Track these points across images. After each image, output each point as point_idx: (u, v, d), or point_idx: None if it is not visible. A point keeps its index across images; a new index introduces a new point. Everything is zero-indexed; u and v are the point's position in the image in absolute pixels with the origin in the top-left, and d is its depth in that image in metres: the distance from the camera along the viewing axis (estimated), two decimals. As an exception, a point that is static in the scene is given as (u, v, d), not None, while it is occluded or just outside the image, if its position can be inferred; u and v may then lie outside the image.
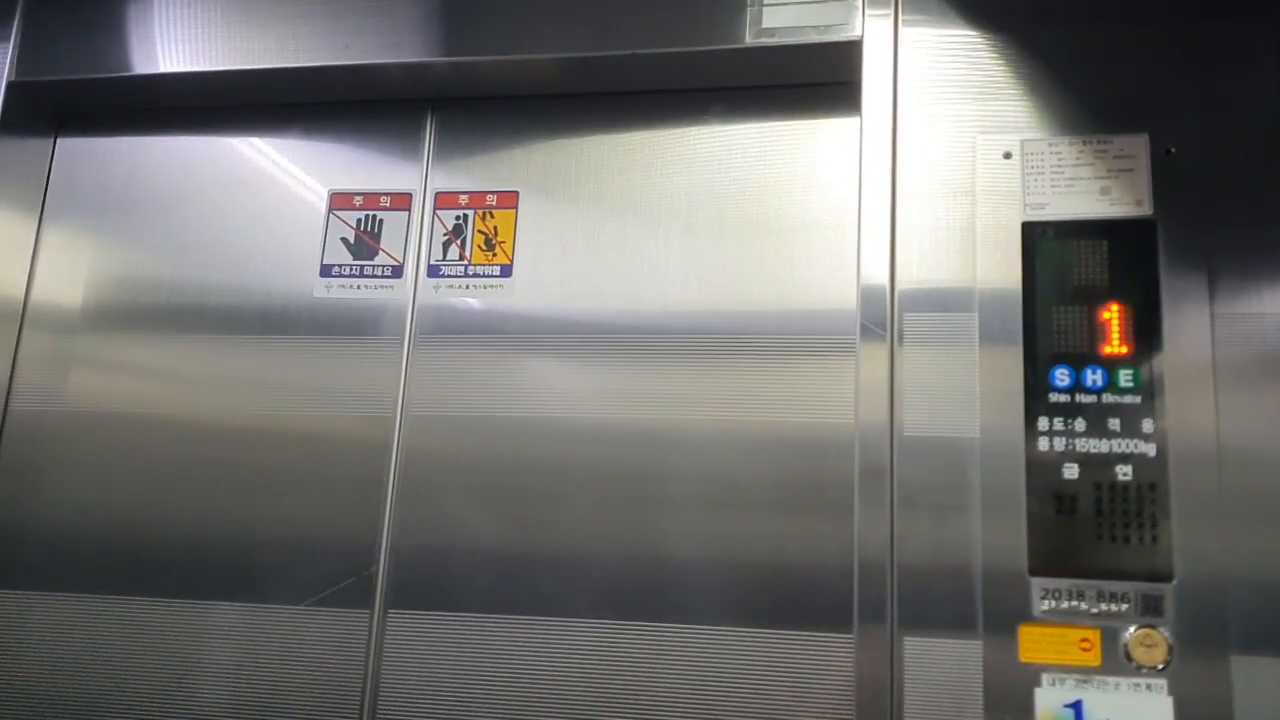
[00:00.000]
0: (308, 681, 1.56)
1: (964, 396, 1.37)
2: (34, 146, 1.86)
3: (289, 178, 1.77)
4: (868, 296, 1.42)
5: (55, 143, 1.88)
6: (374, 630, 1.56)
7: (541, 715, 1.48)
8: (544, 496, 1.55)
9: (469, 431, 1.60)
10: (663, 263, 1.61)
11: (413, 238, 1.69)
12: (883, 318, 1.41)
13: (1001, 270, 1.40)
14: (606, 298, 1.61)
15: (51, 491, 1.70)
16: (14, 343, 1.78)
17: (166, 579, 1.64)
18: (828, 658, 1.42)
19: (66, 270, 1.80)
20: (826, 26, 1.52)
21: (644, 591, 1.49)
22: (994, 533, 1.33)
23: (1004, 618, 1.30)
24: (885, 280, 1.42)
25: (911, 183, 1.45)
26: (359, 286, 1.68)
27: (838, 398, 1.49)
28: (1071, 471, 1.32)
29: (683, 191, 1.63)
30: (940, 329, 1.39)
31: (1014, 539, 1.32)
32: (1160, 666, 1.26)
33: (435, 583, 1.56)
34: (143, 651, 1.62)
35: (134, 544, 1.66)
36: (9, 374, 1.77)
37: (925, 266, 1.42)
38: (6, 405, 1.76)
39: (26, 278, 1.81)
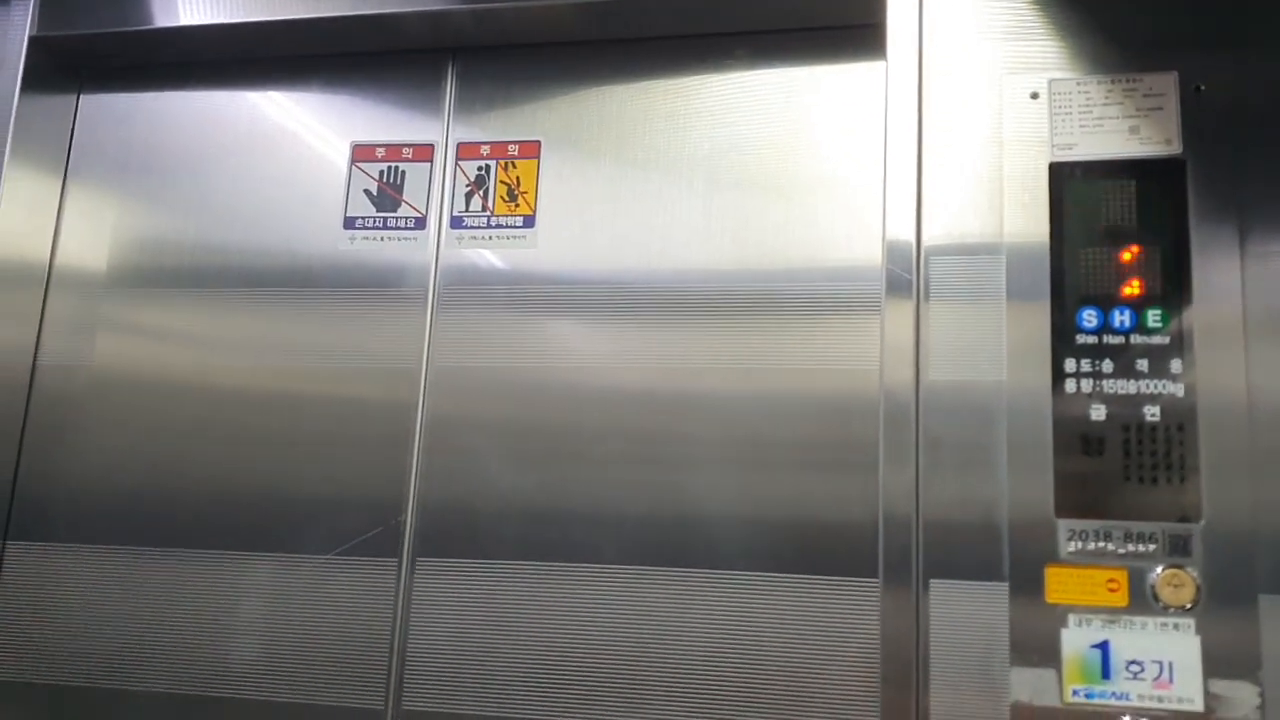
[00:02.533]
0: (338, 628, 1.58)
1: (990, 343, 1.36)
2: (57, 104, 1.86)
3: (311, 131, 1.77)
4: (893, 245, 1.41)
5: (78, 100, 1.88)
6: (402, 577, 1.57)
7: (569, 659, 1.50)
8: (569, 445, 1.56)
9: (494, 382, 1.60)
10: (686, 212, 1.60)
11: (435, 189, 1.69)
12: (909, 261, 1.40)
13: (1029, 214, 1.38)
14: (630, 248, 1.61)
15: (82, 448, 1.72)
16: (41, 302, 1.79)
17: (197, 530, 1.65)
18: (854, 602, 1.43)
19: (91, 230, 1.81)
20: (850, -33, 1.50)
21: (671, 539, 1.50)
22: (1020, 476, 1.32)
23: (1030, 560, 1.30)
24: (911, 229, 1.41)
25: (937, 126, 1.44)
26: (382, 238, 1.69)
27: (864, 353, 1.48)
28: (1099, 413, 1.31)
29: (706, 141, 1.62)
30: (967, 274, 1.38)
31: (1040, 482, 1.32)
32: (1188, 606, 1.25)
33: (462, 531, 1.57)
34: (174, 601, 1.64)
35: (165, 497, 1.68)
36: (37, 333, 1.78)
37: (952, 212, 1.40)
38: (35, 363, 1.77)
39: (52, 238, 1.82)
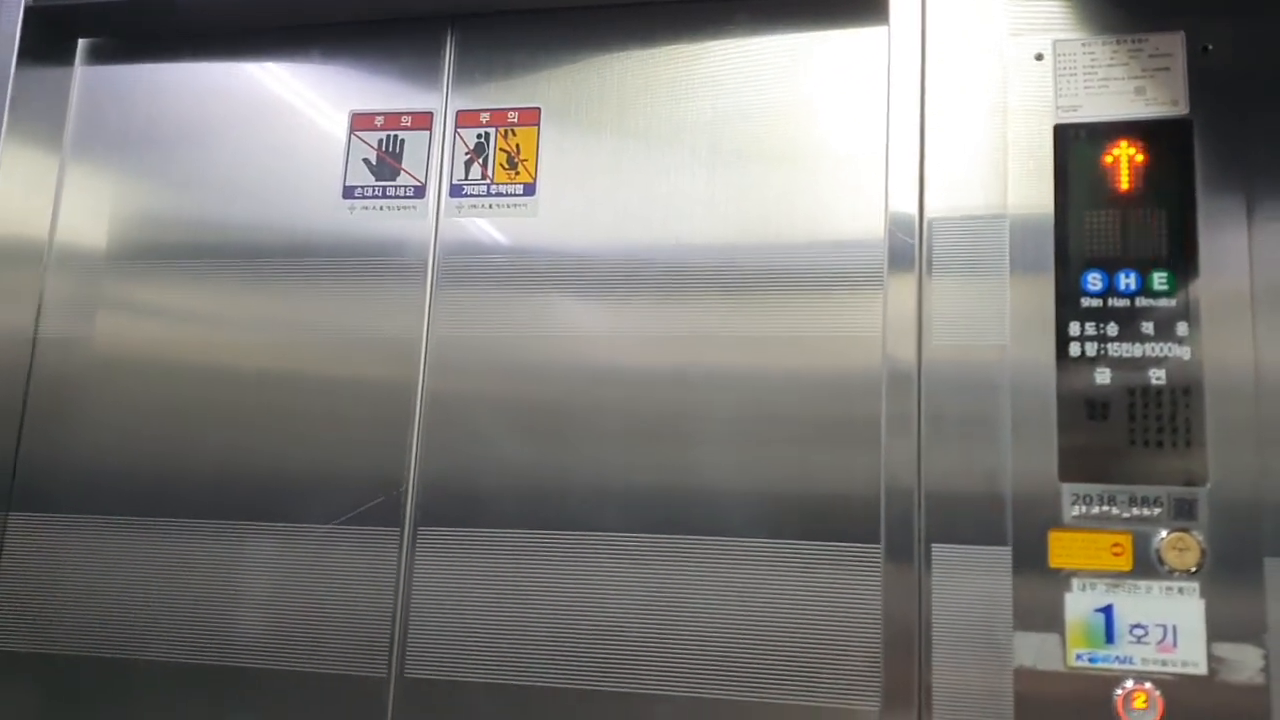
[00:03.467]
0: (341, 597, 1.58)
1: (994, 312, 1.36)
2: (55, 77, 1.85)
3: (310, 101, 1.76)
4: (896, 216, 1.40)
5: (76, 72, 1.87)
6: (404, 546, 1.57)
7: (570, 626, 1.49)
8: (570, 414, 1.55)
9: (495, 353, 1.60)
10: (688, 184, 1.59)
11: (434, 157, 1.68)
12: (912, 231, 1.39)
13: (1033, 179, 1.37)
14: (631, 218, 1.59)
15: (84, 422, 1.72)
16: (40, 277, 1.79)
17: (200, 501, 1.65)
18: (857, 568, 1.42)
19: (91, 205, 1.80)
20: (852, -71, 1.49)
21: (674, 509, 1.49)
22: (1024, 441, 1.32)
23: (1033, 525, 1.30)
24: (914, 199, 1.40)
25: (941, 92, 1.43)
26: (381, 207, 1.68)
27: (869, 324, 1.47)
28: (1104, 377, 1.30)
29: (708, 109, 1.61)
30: (971, 243, 1.37)
31: (1044, 446, 1.31)
32: (1193, 570, 1.25)
33: (463, 501, 1.56)
34: (178, 571, 1.64)
35: (167, 469, 1.67)
36: (37, 308, 1.78)
37: (955, 180, 1.39)
38: (36, 337, 1.77)
39: (51, 213, 1.81)
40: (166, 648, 1.62)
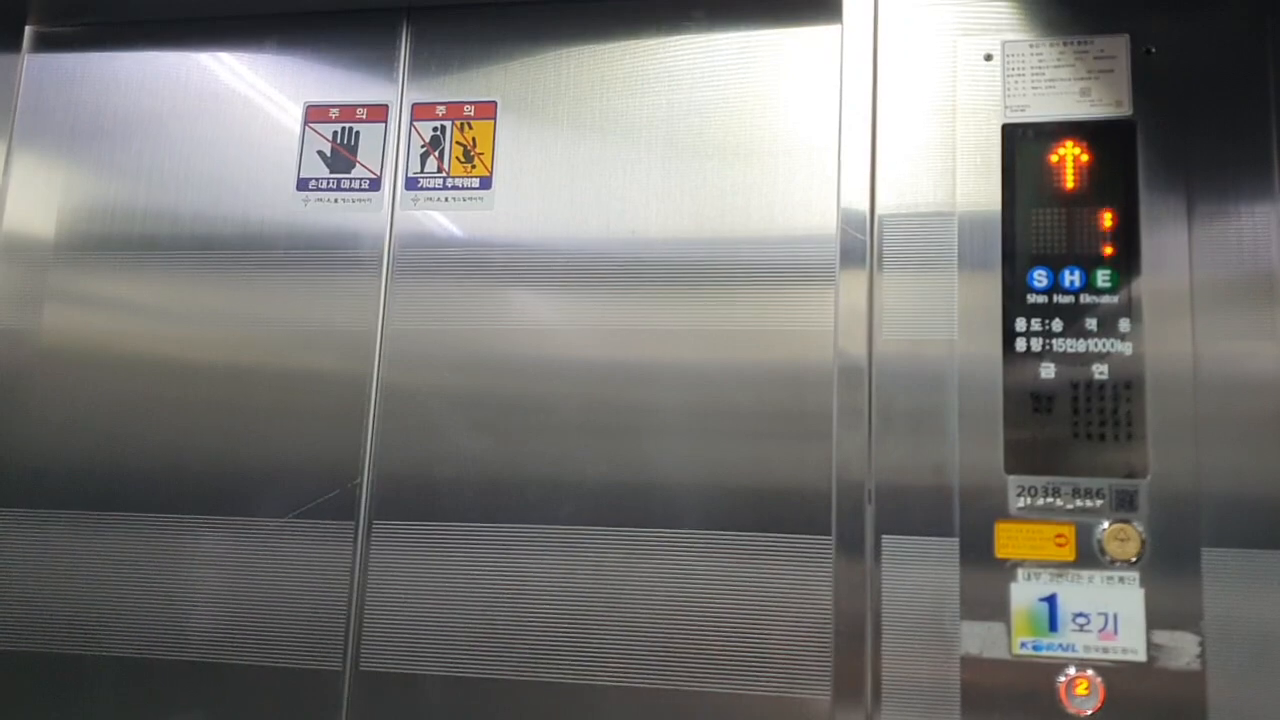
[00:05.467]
0: (295, 591, 1.57)
1: (943, 306, 1.38)
2: (0, 66, 1.82)
3: (264, 93, 1.75)
4: (848, 211, 1.43)
5: (23, 61, 1.84)
6: (359, 540, 1.57)
7: (524, 619, 1.50)
8: (524, 412, 1.56)
9: (450, 347, 1.60)
10: (644, 178, 1.60)
11: (390, 149, 1.68)
12: (863, 226, 1.41)
13: (981, 177, 1.40)
14: (588, 211, 1.60)
15: (32, 416, 1.69)
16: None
17: (152, 496, 1.64)
18: (808, 560, 1.44)
19: (39, 196, 1.77)
20: (807, -72, 1.50)
21: (628, 501, 1.51)
22: (971, 434, 1.34)
23: (980, 516, 1.33)
24: (866, 195, 1.43)
25: (892, 90, 1.45)
26: (336, 200, 1.67)
27: (822, 319, 1.48)
28: (1048, 371, 1.33)
29: (664, 104, 1.62)
30: (921, 239, 1.40)
31: (991, 440, 1.34)
32: (1133, 560, 1.28)
33: (419, 495, 1.57)
34: (131, 566, 1.63)
35: (119, 463, 1.66)
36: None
37: (906, 177, 1.42)
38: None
39: (-2, 204, 1.79)
40: (119, 643, 1.61)
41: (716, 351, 1.52)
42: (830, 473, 1.40)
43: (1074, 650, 1.28)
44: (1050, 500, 1.31)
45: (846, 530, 1.36)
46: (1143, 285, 1.33)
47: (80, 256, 1.74)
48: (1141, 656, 1.26)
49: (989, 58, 1.42)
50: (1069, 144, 1.37)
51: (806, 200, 1.53)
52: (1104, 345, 1.32)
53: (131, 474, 1.65)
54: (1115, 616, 1.27)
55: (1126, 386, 1.31)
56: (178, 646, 1.60)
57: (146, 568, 1.62)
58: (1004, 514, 1.32)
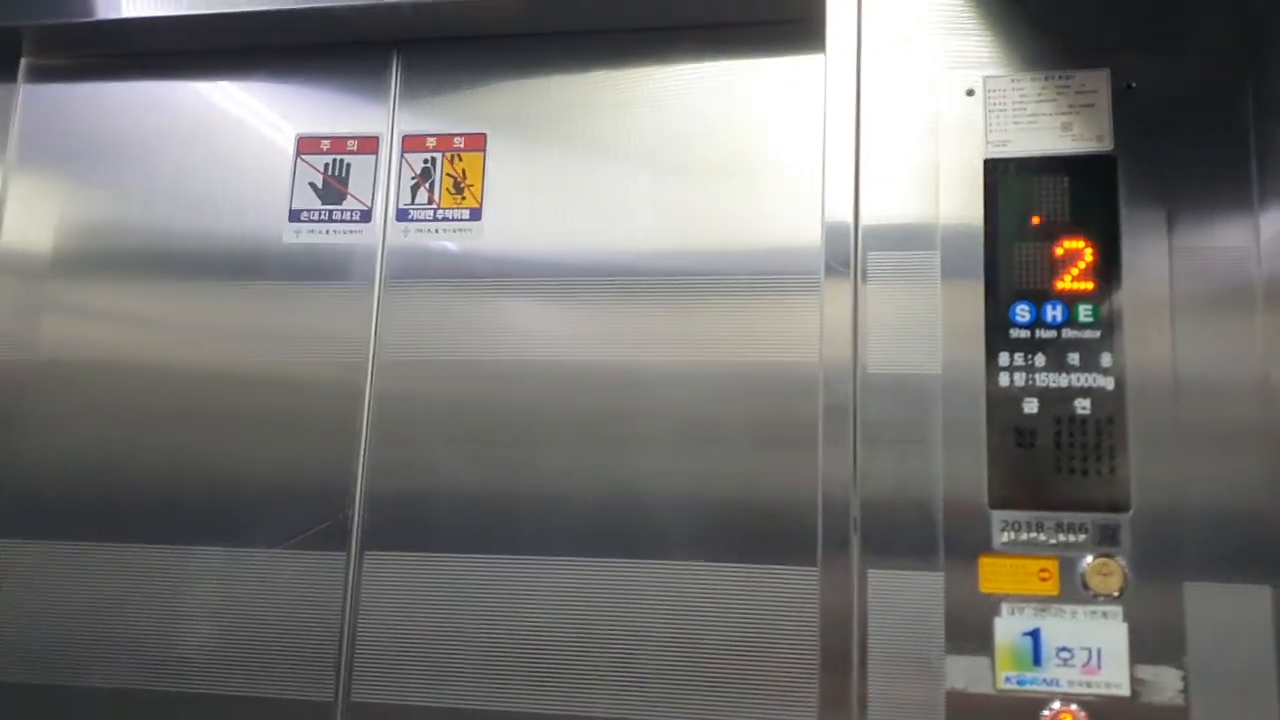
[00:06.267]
0: (287, 623, 1.58)
1: (926, 333, 1.39)
2: (-3, 94, 1.84)
3: (256, 122, 1.76)
4: (832, 235, 1.43)
5: (19, 90, 1.86)
6: (350, 572, 1.58)
7: (516, 650, 1.51)
8: (517, 438, 1.57)
9: (441, 375, 1.61)
10: (632, 204, 1.61)
11: (381, 181, 1.69)
12: (846, 256, 1.42)
13: (964, 208, 1.40)
14: (576, 239, 1.61)
15: (24, 440, 1.71)
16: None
17: (144, 525, 1.65)
18: (797, 590, 1.45)
19: (35, 220, 1.79)
20: (791, -38, 1.51)
21: (618, 529, 1.52)
22: (955, 467, 1.35)
23: (965, 550, 1.33)
24: (849, 218, 1.43)
25: (875, 120, 1.46)
26: (328, 231, 1.68)
27: (805, 337, 1.50)
28: (1031, 406, 1.34)
29: (651, 131, 1.63)
30: (903, 267, 1.40)
31: (975, 473, 1.35)
32: (1116, 594, 1.29)
33: (410, 525, 1.58)
34: (124, 595, 1.64)
35: (112, 492, 1.67)
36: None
37: (889, 204, 1.42)
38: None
39: (-6, 228, 1.80)
40: (110, 674, 1.62)
41: (707, 371, 1.53)
42: (816, 496, 1.40)
43: (1058, 685, 1.28)
44: (1034, 535, 1.31)
45: (832, 562, 1.36)
46: (1124, 319, 1.33)
47: (75, 282, 1.76)
48: (1125, 691, 1.27)
49: (971, 92, 1.42)
50: (1051, 179, 1.38)
51: (792, 222, 1.54)
52: (1086, 380, 1.33)
53: (122, 504, 1.66)
54: (1099, 651, 1.28)
55: (1109, 421, 1.32)
56: (169, 678, 1.61)
57: (141, 597, 1.64)
58: (988, 548, 1.32)
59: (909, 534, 1.35)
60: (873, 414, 1.38)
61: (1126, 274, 1.34)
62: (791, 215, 1.55)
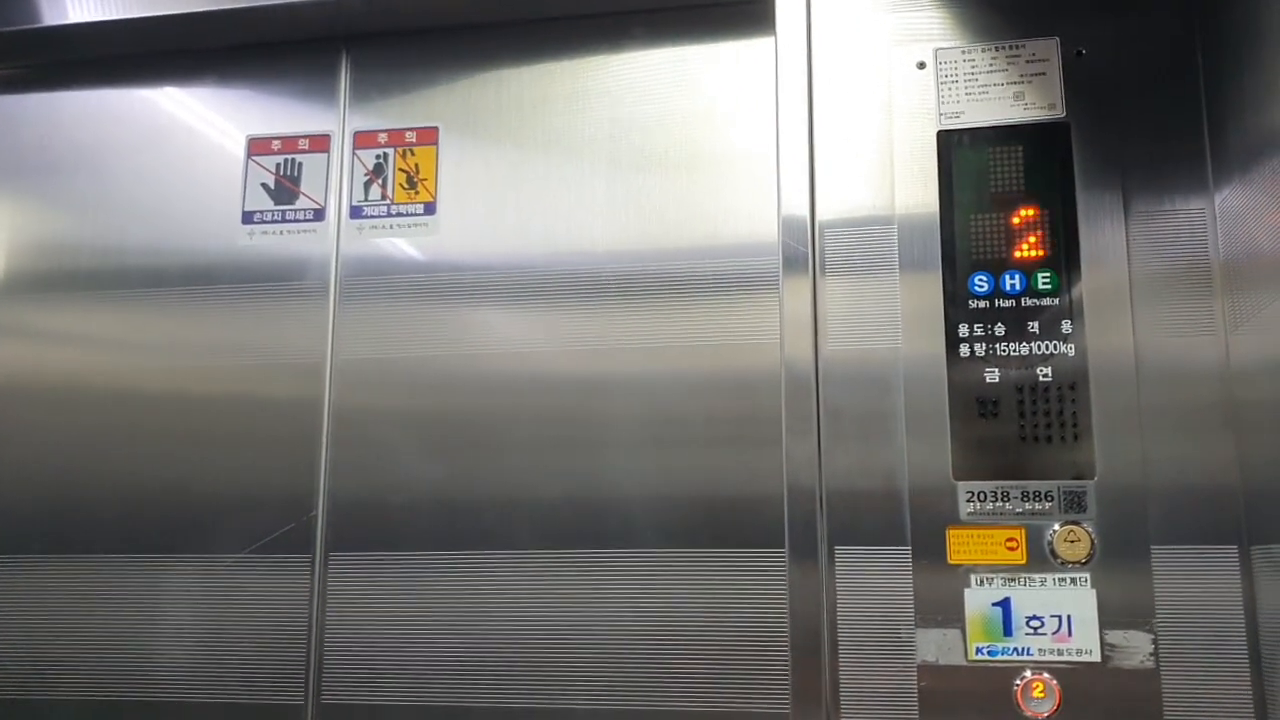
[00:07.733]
0: (254, 626, 1.56)
1: (886, 313, 1.38)
2: (-58, 106, 1.81)
3: (206, 126, 1.74)
4: (789, 221, 1.42)
5: (-36, 101, 1.83)
6: (316, 573, 1.56)
7: (485, 646, 1.49)
8: (478, 435, 1.55)
9: (401, 373, 1.59)
10: (589, 196, 1.60)
11: (333, 179, 1.67)
12: (805, 237, 1.41)
13: (919, 184, 1.40)
14: (533, 234, 1.60)
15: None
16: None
17: (106, 536, 1.62)
18: (764, 573, 1.43)
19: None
20: (738, -58, 1.51)
21: (584, 521, 1.50)
22: (919, 441, 1.35)
23: (931, 523, 1.33)
24: (805, 203, 1.43)
25: (828, 101, 1.45)
26: (282, 231, 1.66)
27: (768, 328, 1.48)
28: (993, 375, 1.33)
29: (606, 122, 1.62)
30: (861, 246, 1.40)
31: (939, 446, 1.34)
32: (1084, 561, 1.28)
33: (374, 525, 1.56)
34: (87, 607, 1.61)
35: (71, 504, 1.64)
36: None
37: (844, 185, 1.42)
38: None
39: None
40: (77, 686, 1.59)
41: (668, 366, 1.51)
42: (781, 485, 1.39)
43: (1029, 653, 1.28)
44: (1000, 505, 1.31)
45: (799, 544, 1.36)
46: (1083, 286, 1.33)
47: (27, 294, 1.72)
48: (1096, 657, 1.26)
49: (922, 66, 1.42)
50: (1004, 148, 1.37)
51: (750, 209, 1.53)
52: (1047, 347, 1.33)
53: (83, 515, 1.63)
54: (1069, 618, 1.28)
55: (1071, 388, 1.32)
56: (137, 686, 1.58)
57: (104, 609, 1.61)
58: (955, 520, 1.32)
59: (875, 511, 1.35)
60: (835, 393, 1.38)
61: (1084, 240, 1.34)
62: (751, 205, 1.53)
